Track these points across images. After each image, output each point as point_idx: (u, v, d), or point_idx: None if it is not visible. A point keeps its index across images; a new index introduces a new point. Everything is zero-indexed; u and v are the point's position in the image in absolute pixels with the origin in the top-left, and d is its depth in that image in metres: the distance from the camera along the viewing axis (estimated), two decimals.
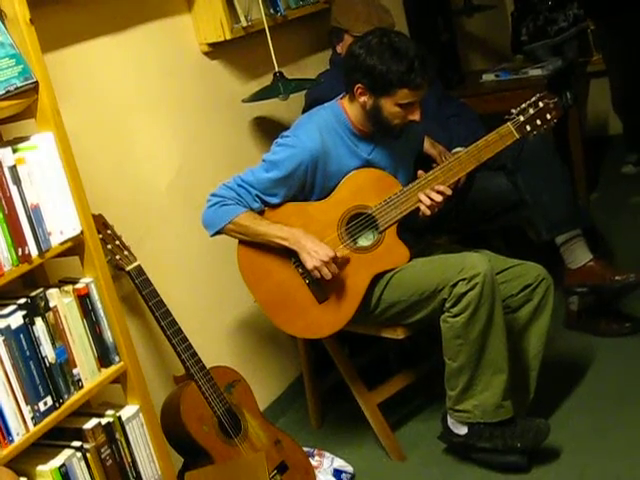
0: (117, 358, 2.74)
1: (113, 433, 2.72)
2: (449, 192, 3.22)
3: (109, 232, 2.95)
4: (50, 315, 2.54)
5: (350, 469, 3.45)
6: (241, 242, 3.26)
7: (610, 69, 5.82)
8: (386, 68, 3.08)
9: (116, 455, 2.72)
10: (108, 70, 3.25)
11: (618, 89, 5.82)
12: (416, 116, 3.19)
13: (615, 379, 3.67)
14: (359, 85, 3.17)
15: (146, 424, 2.82)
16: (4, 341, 2.39)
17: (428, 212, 3.21)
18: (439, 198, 3.19)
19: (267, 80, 3.75)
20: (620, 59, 5.61)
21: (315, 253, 3.11)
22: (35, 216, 2.47)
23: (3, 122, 2.60)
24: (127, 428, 2.76)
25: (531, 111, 3.28)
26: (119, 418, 2.74)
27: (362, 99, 3.19)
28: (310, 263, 3.12)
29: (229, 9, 3.64)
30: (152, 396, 2.89)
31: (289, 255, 3.22)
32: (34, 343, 2.48)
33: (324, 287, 3.23)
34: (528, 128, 3.28)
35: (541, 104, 3.29)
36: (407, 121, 3.20)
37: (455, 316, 3.13)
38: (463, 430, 3.30)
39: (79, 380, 2.62)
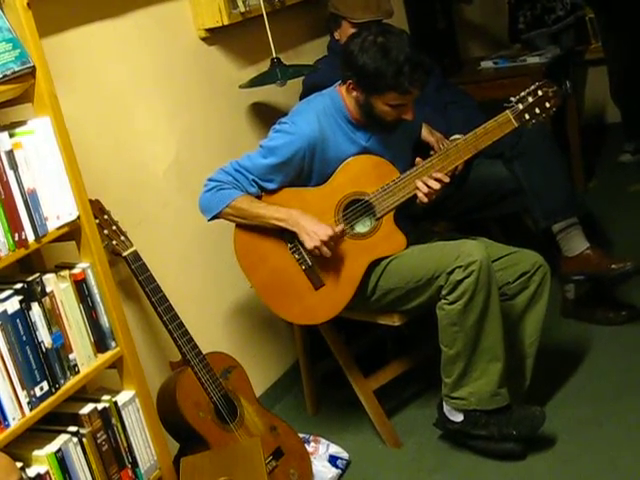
0: (113, 343, 2.74)
1: (109, 418, 2.72)
2: (446, 180, 3.22)
3: (106, 217, 2.95)
4: (46, 300, 2.54)
5: (346, 455, 3.46)
6: (238, 227, 3.26)
7: (609, 57, 5.80)
8: (375, 70, 3.08)
9: (112, 440, 2.73)
10: (106, 55, 3.24)
11: (617, 78, 5.81)
12: (408, 116, 3.19)
13: (611, 367, 3.68)
14: (350, 81, 3.18)
15: (142, 409, 2.82)
16: (0, 326, 2.39)
17: (425, 199, 3.21)
18: (436, 186, 3.19)
19: (265, 66, 3.75)
20: (620, 47, 5.59)
21: (314, 234, 3.11)
22: (32, 201, 2.46)
23: (0, 107, 2.59)
24: (123, 413, 2.76)
25: (530, 99, 3.27)
26: (115, 403, 2.75)
27: (354, 93, 3.20)
28: (310, 243, 3.13)
29: None
30: (148, 382, 2.90)
31: (285, 240, 3.22)
32: (30, 328, 2.48)
33: (320, 273, 3.23)
34: (527, 116, 3.27)
35: (540, 92, 3.28)
36: (400, 118, 3.21)
37: (451, 303, 3.13)
38: (459, 417, 3.30)
39: (75, 365, 2.62)
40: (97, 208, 2.91)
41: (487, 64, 5.20)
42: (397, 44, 3.07)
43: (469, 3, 5.75)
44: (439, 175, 3.21)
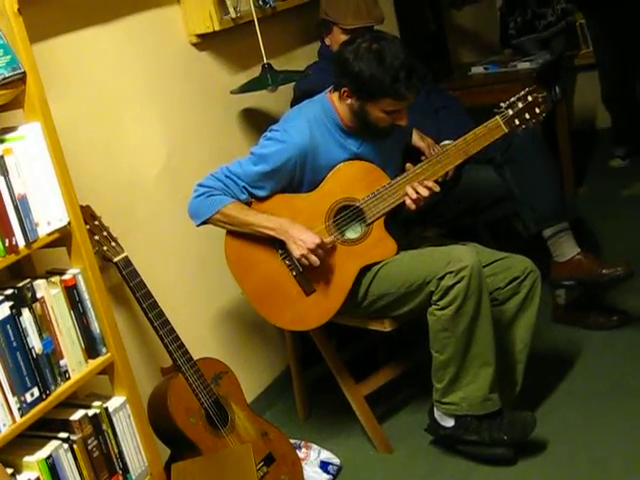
0: (104, 349, 2.73)
1: (100, 424, 2.72)
2: (437, 189, 3.22)
3: (96, 223, 2.94)
4: (37, 306, 2.53)
5: (337, 461, 3.46)
6: (229, 233, 3.26)
7: (601, 62, 5.82)
8: (371, 76, 3.08)
9: (103, 446, 2.72)
10: (96, 61, 3.23)
11: (608, 82, 5.83)
12: (402, 122, 3.20)
13: (602, 372, 3.68)
14: (345, 89, 3.18)
15: (133, 415, 2.82)
16: None
17: (413, 206, 3.21)
18: (426, 193, 3.19)
19: (256, 72, 3.75)
20: (612, 52, 5.61)
21: (301, 242, 3.12)
22: (22, 207, 2.46)
23: None
24: (114, 419, 2.76)
25: (520, 105, 3.28)
26: (106, 409, 2.74)
27: (349, 101, 3.20)
28: (297, 252, 3.13)
29: (218, 0, 3.63)
30: (139, 387, 2.89)
31: (276, 247, 3.22)
32: (21, 334, 2.47)
33: (311, 279, 3.23)
34: (517, 122, 3.28)
35: (530, 98, 3.29)
36: (394, 124, 3.21)
37: (442, 309, 3.14)
38: (450, 422, 3.30)
39: (66, 371, 2.62)
40: (88, 214, 2.90)
41: (477, 69, 5.21)
42: (392, 50, 3.08)
43: (460, 9, 5.75)
44: (430, 184, 3.20)
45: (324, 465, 3.41)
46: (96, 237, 2.91)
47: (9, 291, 2.48)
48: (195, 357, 3.06)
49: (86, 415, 2.68)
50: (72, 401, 2.72)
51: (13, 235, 2.44)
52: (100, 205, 3.00)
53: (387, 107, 3.14)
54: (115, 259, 2.95)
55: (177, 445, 3.05)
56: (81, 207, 2.71)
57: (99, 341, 2.72)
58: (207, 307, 3.73)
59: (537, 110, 3.30)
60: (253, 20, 3.58)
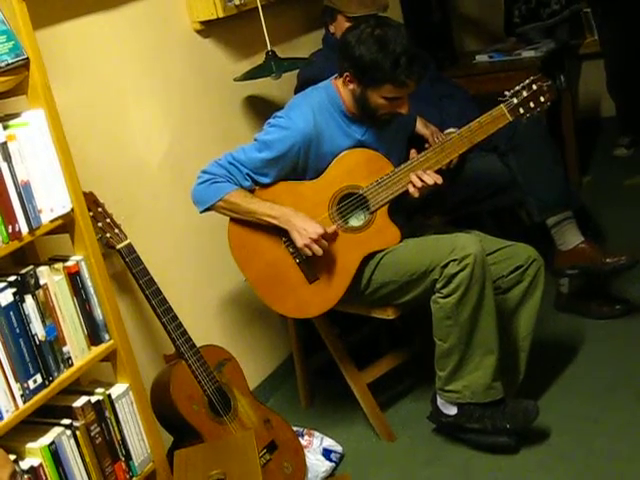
0: (107, 336, 2.74)
1: (103, 411, 2.72)
2: (440, 181, 3.21)
3: (100, 210, 2.94)
4: (40, 293, 2.53)
5: (339, 449, 3.46)
6: (232, 220, 3.25)
7: (606, 51, 5.80)
8: (371, 61, 3.07)
9: (105, 433, 2.73)
10: (100, 47, 3.23)
11: (613, 70, 5.81)
12: (403, 110, 3.19)
13: (605, 361, 3.68)
14: (347, 73, 3.17)
15: (136, 402, 2.83)
16: None
17: (417, 194, 3.20)
18: (430, 181, 3.18)
19: (259, 59, 3.74)
20: (617, 40, 5.60)
21: (304, 231, 3.11)
22: (25, 193, 2.46)
23: None
24: (117, 406, 2.77)
25: (525, 94, 3.27)
26: (109, 396, 2.75)
27: (351, 86, 3.19)
28: (300, 241, 3.12)
29: None
30: (142, 374, 2.90)
31: (280, 234, 3.22)
32: (24, 321, 2.48)
33: (314, 267, 3.23)
34: (521, 111, 3.27)
35: (535, 87, 3.28)
36: (394, 112, 3.21)
37: (446, 297, 3.13)
38: (453, 410, 3.30)
39: (69, 358, 2.62)
40: (91, 200, 2.90)
41: (482, 58, 5.20)
42: (395, 36, 3.07)
43: None
44: (434, 175, 3.20)
45: (327, 452, 3.42)
46: (99, 224, 2.91)
47: (12, 278, 2.48)
48: (198, 344, 3.06)
49: (89, 402, 2.68)
50: (75, 388, 2.72)
51: (16, 221, 2.44)
52: (103, 192, 3.00)
53: (387, 93, 3.13)
54: (118, 246, 2.95)
55: (180, 432, 3.05)
56: (84, 194, 2.71)
57: (102, 328, 2.72)
58: (210, 294, 3.73)
59: (542, 99, 3.29)
60: (257, 7, 3.57)
